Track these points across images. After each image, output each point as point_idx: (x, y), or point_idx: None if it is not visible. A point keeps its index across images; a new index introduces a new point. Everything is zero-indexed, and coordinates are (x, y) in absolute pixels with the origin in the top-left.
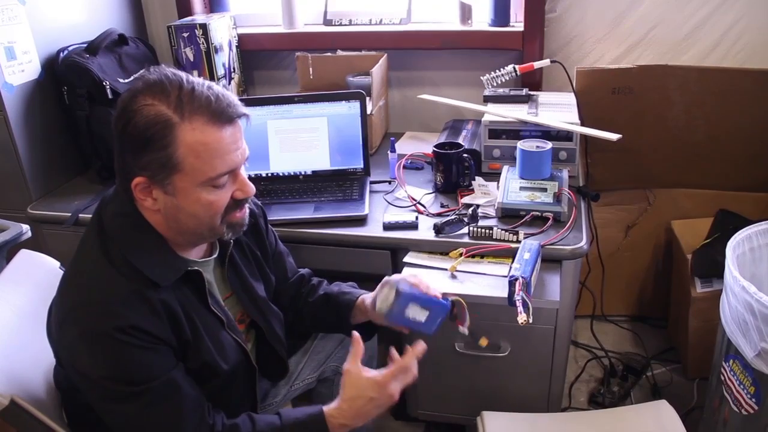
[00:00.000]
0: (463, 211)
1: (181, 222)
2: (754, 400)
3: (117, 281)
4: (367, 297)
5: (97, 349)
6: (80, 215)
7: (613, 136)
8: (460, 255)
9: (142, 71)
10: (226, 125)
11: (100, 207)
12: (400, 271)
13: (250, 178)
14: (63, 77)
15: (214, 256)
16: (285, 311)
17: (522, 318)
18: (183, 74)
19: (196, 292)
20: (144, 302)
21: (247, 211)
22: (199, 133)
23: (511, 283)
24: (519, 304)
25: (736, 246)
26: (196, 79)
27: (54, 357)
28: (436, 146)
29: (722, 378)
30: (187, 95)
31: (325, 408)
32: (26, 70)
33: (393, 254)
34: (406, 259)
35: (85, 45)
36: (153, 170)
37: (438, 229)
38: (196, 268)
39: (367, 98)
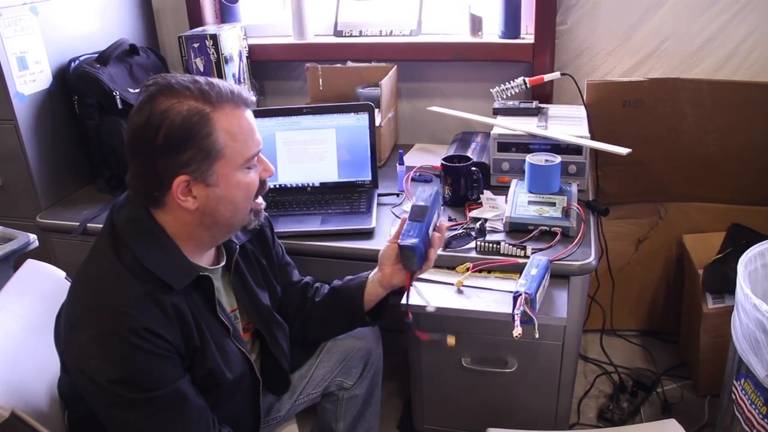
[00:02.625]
0: (471, 225)
1: (219, 214)
2: (766, 420)
3: (130, 284)
4: (373, 272)
5: (108, 351)
6: (88, 225)
7: (623, 151)
8: (467, 270)
9: (143, 86)
10: (246, 110)
11: (112, 212)
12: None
13: None
14: (74, 87)
15: (222, 264)
16: (291, 320)
17: (517, 332)
18: (185, 74)
19: (205, 298)
20: (156, 305)
21: (262, 200)
22: (232, 117)
23: (515, 299)
24: (517, 318)
25: (747, 262)
26: (199, 76)
27: (60, 363)
28: (444, 159)
29: (733, 397)
30: (207, 87)
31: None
32: (38, 79)
33: None
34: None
35: (96, 55)
36: (196, 164)
37: (445, 243)
38: (206, 274)
39: (377, 110)
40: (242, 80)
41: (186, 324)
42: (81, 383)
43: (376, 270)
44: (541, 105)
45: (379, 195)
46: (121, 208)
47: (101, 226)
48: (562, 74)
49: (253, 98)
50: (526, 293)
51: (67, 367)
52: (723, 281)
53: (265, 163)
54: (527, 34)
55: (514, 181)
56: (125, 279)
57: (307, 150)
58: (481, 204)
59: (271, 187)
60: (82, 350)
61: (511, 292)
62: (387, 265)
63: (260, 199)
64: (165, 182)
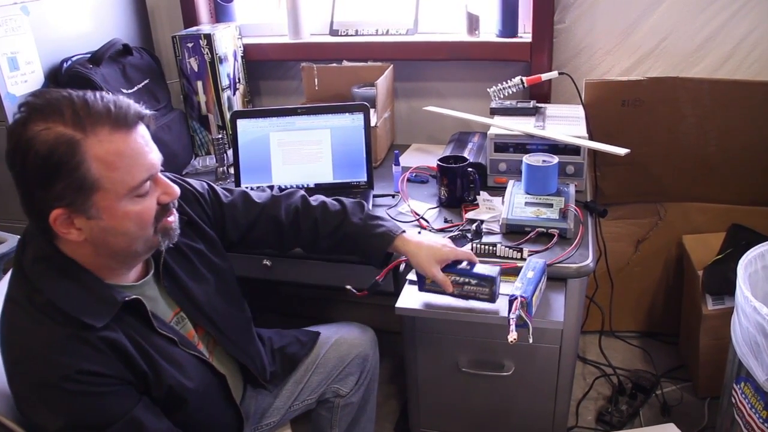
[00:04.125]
0: (467, 227)
1: (112, 244)
2: (766, 425)
3: (51, 330)
4: (409, 242)
5: (48, 401)
6: None
7: (621, 151)
8: None
9: (23, 100)
10: (131, 130)
11: (18, 254)
12: (401, 288)
13: (252, 190)
14: (66, 88)
15: (151, 272)
16: (277, 243)
17: (512, 336)
18: (70, 91)
19: (141, 318)
20: (84, 344)
21: (176, 214)
22: (108, 143)
23: (510, 302)
24: (512, 323)
25: (747, 264)
26: (87, 92)
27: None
28: (440, 159)
29: (733, 400)
30: (82, 109)
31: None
32: (29, 80)
33: (395, 270)
34: (409, 276)
35: (88, 55)
36: (70, 197)
37: None
38: (134, 296)
39: (372, 110)
40: (237, 80)
41: (123, 353)
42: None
43: (413, 239)
44: (539, 104)
45: (375, 196)
46: (26, 246)
47: (9, 278)
48: (560, 73)
49: (145, 112)
50: (522, 297)
51: (23, 416)
52: (723, 282)
53: (164, 185)
54: (525, 33)
55: (511, 182)
56: (44, 325)
57: (302, 151)
58: (477, 205)
59: (266, 188)
60: (24, 402)
61: (507, 295)
62: (437, 260)
63: (172, 217)
64: (43, 214)
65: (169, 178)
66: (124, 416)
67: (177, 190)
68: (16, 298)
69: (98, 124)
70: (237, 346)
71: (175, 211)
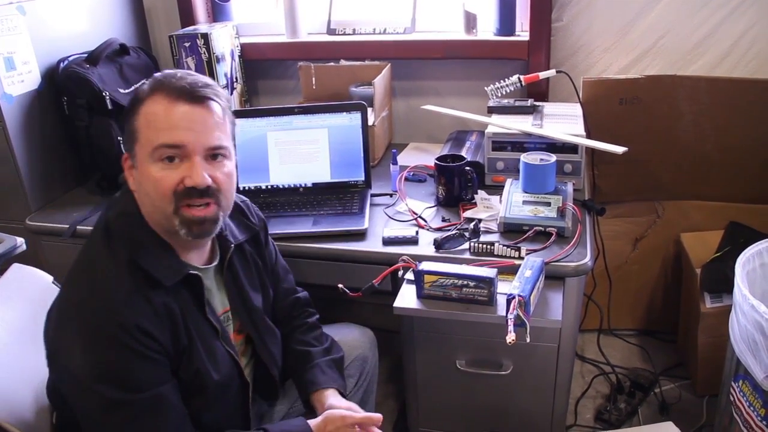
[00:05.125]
0: (465, 226)
1: (145, 203)
2: (764, 422)
3: (121, 279)
4: (327, 399)
5: (95, 346)
6: (78, 227)
7: (619, 149)
8: None
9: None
10: (185, 103)
11: (107, 208)
12: (399, 287)
13: (249, 190)
14: (63, 87)
15: (215, 263)
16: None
17: (510, 338)
18: (179, 70)
19: (194, 297)
20: (147, 302)
21: (205, 213)
22: (158, 104)
23: (508, 302)
24: (510, 323)
25: (745, 262)
26: (191, 71)
27: (47, 362)
28: (438, 158)
29: (731, 398)
30: (168, 77)
31: (311, 422)
32: (26, 80)
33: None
34: (408, 275)
35: (85, 55)
36: (127, 142)
37: (438, 245)
38: (196, 272)
39: (370, 109)
40: (235, 79)
41: (175, 323)
42: (64, 381)
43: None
44: (537, 103)
45: (373, 195)
46: (115, 203)
47: (91, 228)
48: (557, 72)
49: (209, 95)
50: (519, 296)
51: (51, 363)
52: (721, 280)
53: (194, 169)
54: (522, 32)
55: (508, 181)
56: (116, 274)
57: (299, 150)
58: (475, 204)
59: (263, 188)
60: (69, 344)
61: (505, 294)
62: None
63: (196, 211)
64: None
65: None
66: (154, 388)
67: (202, 179)
68: (95, 244)
69: (163, 89)
70: (272, 356)
71: (203, 209)
